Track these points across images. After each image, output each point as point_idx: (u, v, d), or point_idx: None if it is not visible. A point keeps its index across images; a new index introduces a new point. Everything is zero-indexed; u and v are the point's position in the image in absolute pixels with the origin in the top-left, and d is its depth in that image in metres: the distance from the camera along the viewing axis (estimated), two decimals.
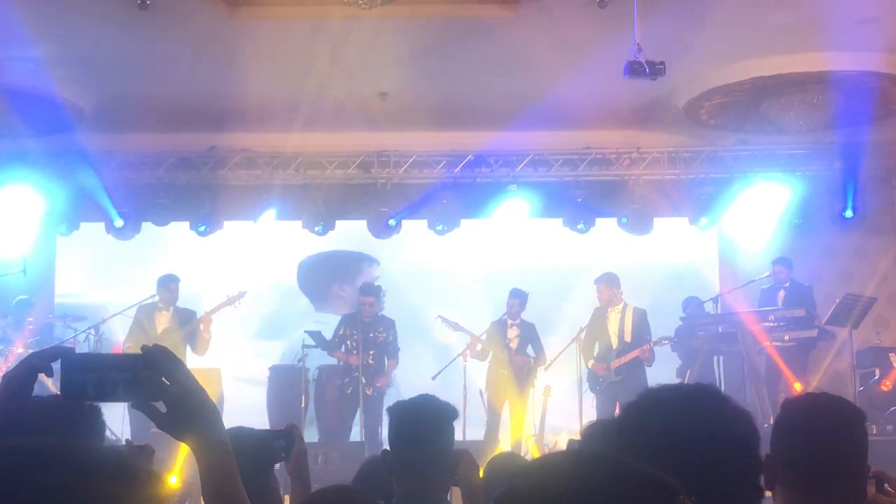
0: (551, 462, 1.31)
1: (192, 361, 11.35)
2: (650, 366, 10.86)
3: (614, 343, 10.96)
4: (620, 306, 11.09)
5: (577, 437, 5.64)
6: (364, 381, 10.77)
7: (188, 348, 10.87)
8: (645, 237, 12.07)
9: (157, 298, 10.94)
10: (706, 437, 1.86)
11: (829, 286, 11.39)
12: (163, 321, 10.84)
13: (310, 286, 13.46)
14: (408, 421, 3.40)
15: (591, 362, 10.96)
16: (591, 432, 4.41)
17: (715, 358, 11.22)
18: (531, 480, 1.26)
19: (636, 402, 1.96)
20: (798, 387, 10.23)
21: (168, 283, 10.92)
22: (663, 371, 11.08)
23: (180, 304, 11.07)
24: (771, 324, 10.72)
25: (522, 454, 10.01)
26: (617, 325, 11.01)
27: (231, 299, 10.87)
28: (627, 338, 10.92)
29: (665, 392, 1.98)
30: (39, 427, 2.06)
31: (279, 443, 3.88)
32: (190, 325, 10.84)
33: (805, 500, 2.52)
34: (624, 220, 11.91)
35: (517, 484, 1.26)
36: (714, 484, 1.80)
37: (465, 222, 12.02)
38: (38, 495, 1.16)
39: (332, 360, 11.23)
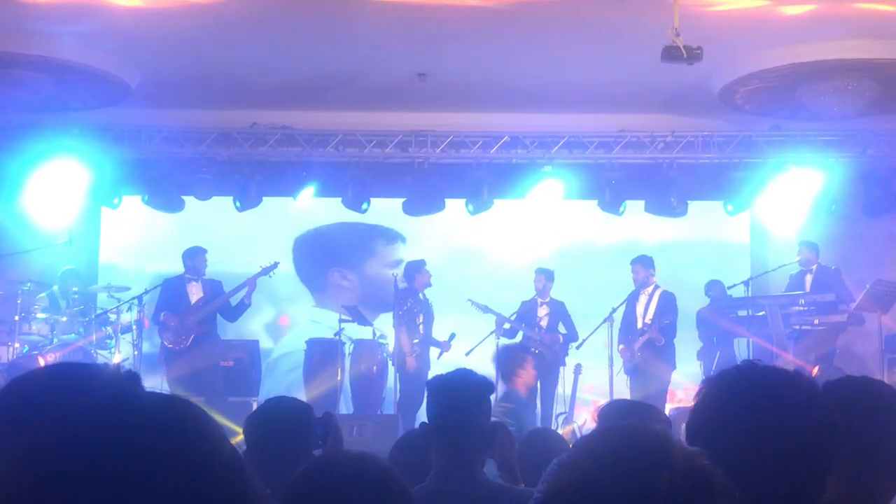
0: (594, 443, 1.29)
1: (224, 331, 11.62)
2: (660, 344, 10.90)
3: (639, 324, 11.08)
4: (651, 288, 11.21)
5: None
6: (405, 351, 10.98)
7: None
8: (678, 220, 12.17)
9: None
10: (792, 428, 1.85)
11: (859, 272, 11.42)
12: (195, 291, 11.03)
13: (305, 271, 12.25)
14: (446, 394, 3.45)
15: (621, 346, 11.07)
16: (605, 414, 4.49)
17: (737, 342, 11.32)
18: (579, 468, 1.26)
19: (711, 383, 1.94)
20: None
21: (198, 255, 11.12)
22: (682, 353, 11.24)
23: (209, 274, 11.21)
24: (801, 308, 10.82)
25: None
26: (643, 307, 11.13)
27: (265, 270, 11.08)
28: (648, 319, 11.03)
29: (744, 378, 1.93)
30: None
31: (317, 429, 4.00)
32: (223, 294, 11.02)
33: (847, 483, 2.61)
34: (646, 203, 12.01)
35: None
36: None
37: (497, 203, 12.11)
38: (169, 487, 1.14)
39: (368, 334, 11.42)
